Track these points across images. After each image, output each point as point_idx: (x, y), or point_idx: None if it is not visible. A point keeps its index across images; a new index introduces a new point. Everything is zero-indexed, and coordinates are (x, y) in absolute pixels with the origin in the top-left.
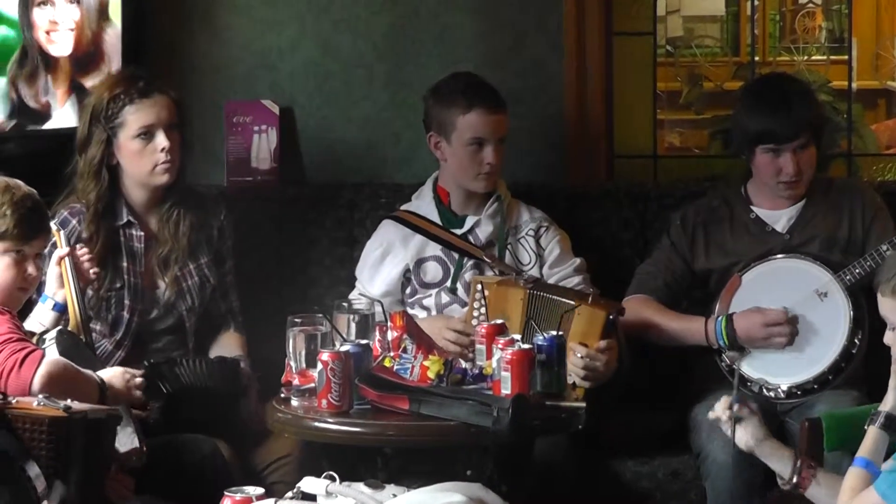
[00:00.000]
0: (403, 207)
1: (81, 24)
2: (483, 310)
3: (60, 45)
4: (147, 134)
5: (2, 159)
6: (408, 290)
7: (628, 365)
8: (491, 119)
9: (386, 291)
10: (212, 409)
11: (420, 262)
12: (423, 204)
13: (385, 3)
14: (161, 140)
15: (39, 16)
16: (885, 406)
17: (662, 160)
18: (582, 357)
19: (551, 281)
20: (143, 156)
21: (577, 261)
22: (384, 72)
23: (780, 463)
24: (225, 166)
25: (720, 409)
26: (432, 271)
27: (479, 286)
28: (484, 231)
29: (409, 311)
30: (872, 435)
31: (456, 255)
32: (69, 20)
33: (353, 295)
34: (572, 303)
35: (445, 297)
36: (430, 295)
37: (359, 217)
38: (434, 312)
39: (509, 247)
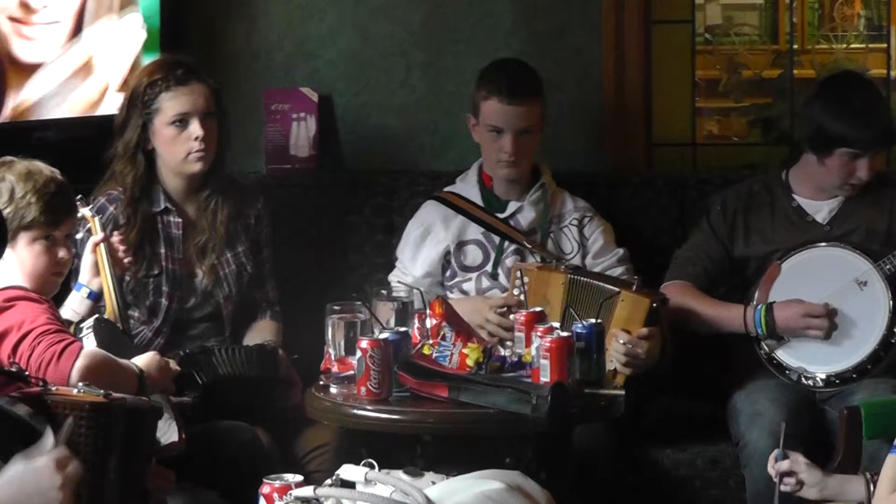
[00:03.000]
0: (447, 189)
1: None
2: (522, 297)
3: None
4: (182, 121)
5: (43, 145)
6: (448, 273)
7: (671, 354)
8: (507, 109)
9: (427, 272)
10: (250, 397)
11: (461, 245)
12: (467, 186)
13: None
14: (195, 128)
15: None
16: None
17: (701, 148)
18: (624, 343)
19: (595, 270)
20: (177, 143)
21: (621, 251)
22: (422, 60)
23: (854, 492)
24: (264, 154)
25: (768, 466)
26: (472, 254)
27: (519, 273)
28: (526, 217)
29: (449, 295)
30: None
31: (497, 240)
32: None
33: (392, 276)
34: (615, 289)
35: (486, 282)
36: (471, 279)
37: (397, 204)
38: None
39: (552, 235)
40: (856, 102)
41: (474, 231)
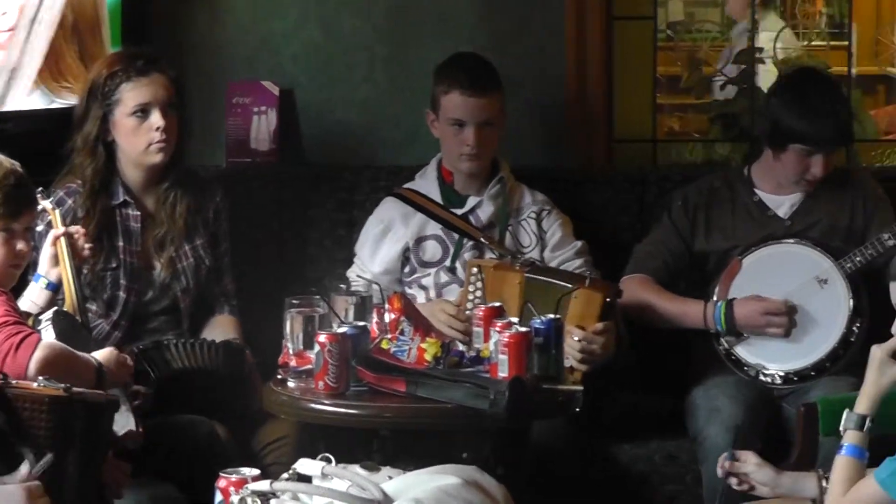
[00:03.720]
0: (406, 186)
1: None
2: (479, 293)
3: None
4: (143, 112)
5: (2, 138)
6: (406, 269)
7: (626, 348)
8: (469, 101)
9: (385, 269)
10: (208, 391)
11: (420, 241)
12: (426, 182)
13: None
14: (156, 119)
15: None
16: (861, 407)
17: (662, 144)
18: (579, 340)
19: (553, 264)
20: (137, 134)
21: (579, 244)
22: (385, 55)
23: (807, 489)
24: (224, 147)
25: (717, 466)
26: (431, 250)
27: (476, 269)
28: (485, 212)
29: (408, 290)
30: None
31: (456, 235)
32: None
33: (350, 272)
34: (570, 286)
35: (444, 277)
36: (429, 274)
37: (358, 199)
38: (432, 292)
39: (510, 229)
40: (812, 99)
41: (434, 227)
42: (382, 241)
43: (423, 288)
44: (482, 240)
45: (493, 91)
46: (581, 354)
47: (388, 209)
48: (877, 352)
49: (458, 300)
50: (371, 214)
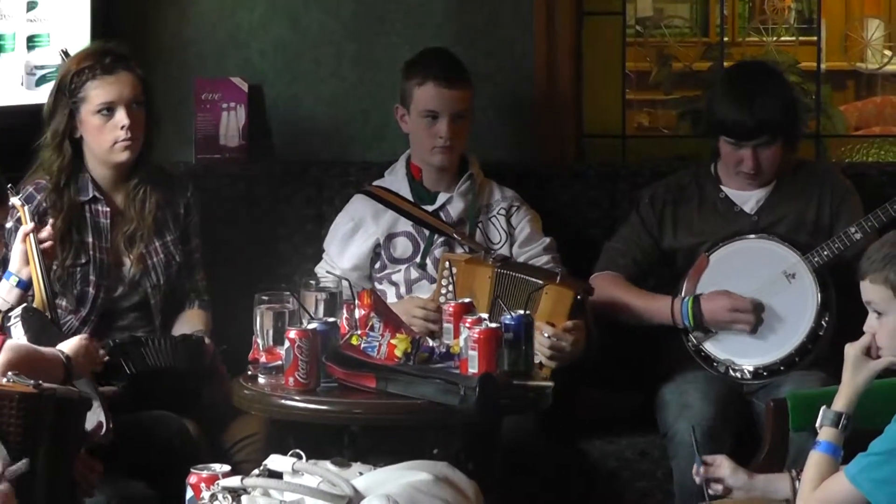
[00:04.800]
0: (376, 183)
1: None
2: (451, 287)
3: None
4: (108, 110)
5: None
6: (377, 265)
7: (596, 345)
8: (444, 93)
9: (354, 266)
10: (178, 388)
11: (390, 237)
12: (395, 180)
13: None
14: (121, 117)
15: None
16: (837, 405)
17: (631, 140)
18: (549, 337)
19: (521, 260)
20: (103, 131)
21: (547, 240)
22: (354, 50)
23: (781, 491)
24: (193, 143)
25: (693, 474)
26: (402, 246)
27: (448, 264)
28: (455, 208)
29: (378, 286)
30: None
31: (426, 232)
32: None
33: (319, 268)
34: (540, 282)
35: (414, 273)
36: (399, 270)
37: (327, 195)
38: (402, 288)
39: (480, 225)
40: (738, 91)
41: (404, 223)
42: (352, 239)
43: (394, 284)
44: (454, 235)
45: (465, 84)
46: (550, 351)
47: (359, 207)
48: (850, 350)
49: (433, 296)
50: (341, 211)
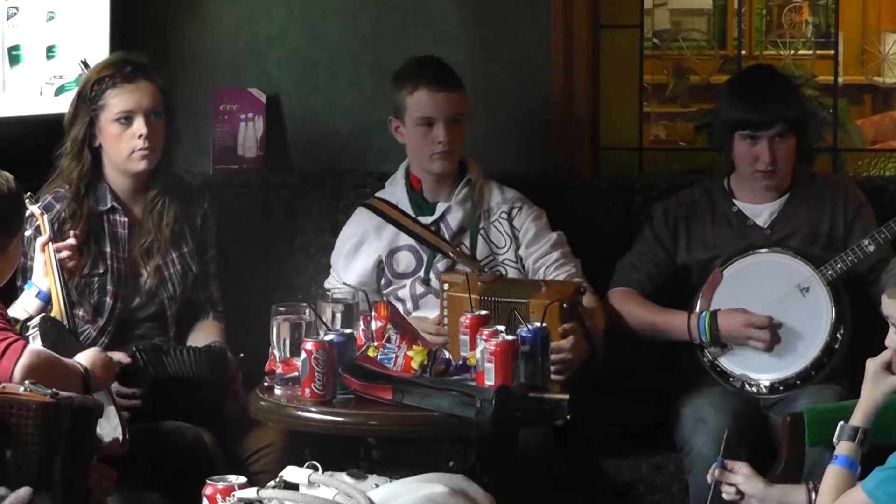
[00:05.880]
0: (378, 195)
1: None
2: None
3: None
4: (126, 119)
5: None
6: (382, 282)
7: (601, 346)
8: (437, 97)
9: (360, 282)
10: (198, 398)
11: (393, 252)
12: (395, 191)
13: None
14: (139, 126)
15: None
16: (855, 420)
17: (648, 152)
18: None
19: (530, 261)
20: (121, 140)
21: (555, 236)
22: (371, 61)
23: (796, 501)
24: (211, 154)
25: (707, 474)
26: (405, 261)
27: (447, 285)
28: (454, 218)
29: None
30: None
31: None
32: None
33: (328, 283)
34: (523, 301)
35: (420, 288)
36: (405, 286)
37: (344, 205)
38: (409, 304)
39: (482, 231)
40: (748, 86)
41: (406, 237)
42: (357, 254)
43: (400, 300)
44: (449, 254)
45: (458, 87)
46: (554, 366)
47: (362, 221)
48: (870, 365)
49: (438, 318)
50: (345, 226)
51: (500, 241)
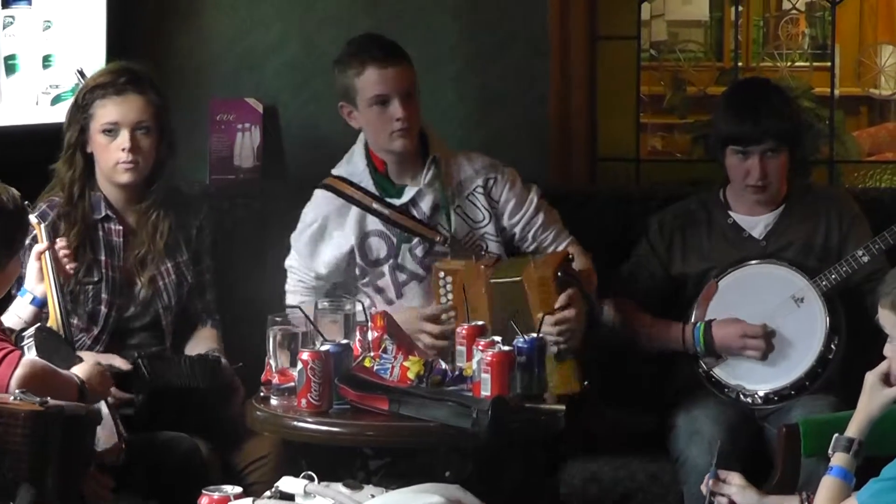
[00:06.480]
0: (335, 172)
1: None
2: (449, 295)
3: None
4: (112, 131)
5: None
6: (357, 272)
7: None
8: (387, 73)
9: (330, 272)
10: (194, 408)
11: (364, 238)
12: (356, 171)
13: (368, 4)
14: (123, 139)
15: None
16: (850, 431)
17: (645, 164)
18: (554, 324)
19: (516, 230)
20: (107, 151)
21: (534, 198)
22: None
23: None
24: (208, 164)
25: (702, 485)
26: (376, 246)
27: (442, 274)
28: (427, 201)
29: (369, 293)
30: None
31: (397, 228)
32: None
33: (292, 292)
34: (517, 278)
35: (401, 276)
36: (383, 274)
37: None
38: (391, 292)
39: (458, 209)
40: (742, 101)
41: (373, 221)
42: (322, 241)
43: (380, 290)
44: (436, 240)
45: (406, 60)
46: (562, 335)
47: (321, 203)
48: (869, 377)
49: (435, 310)
50: (304, 210)
51: (477, 215)
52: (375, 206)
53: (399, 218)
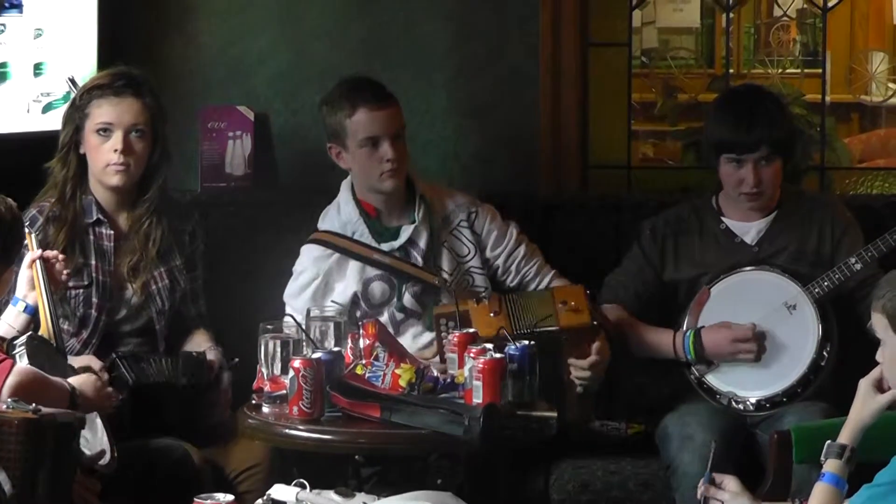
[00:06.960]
0: (322, 227)
1: None
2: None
3: None
4: (105, 131)
5: None
6: (358, 314)
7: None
8: (378, 115)
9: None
10: (176, 406)
11: (367, 284)
12: (349, 221)
13: (360, 11)
14: (116, 141)
15: None
16: (843, 437)
17: (636, 171)
18: (586, 374)
19: (499, 263)
20: (99, 152)
21: (514, 232)
22: None
23: None
24: (199, 172)
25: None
26: (380, 290)
27: (444, 321)
28: (423, 238)
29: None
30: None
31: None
32: None
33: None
34: (555, 327)
35: (398, 315)
36: (383, 314)
37: None
38: (390, 330)
39: (445, 243)
40: (735, 108)
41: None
42: (326, 296)
43: None
44: (436, 283)
45: (394, 102)
46: (592, 382)
47: (317, 259)
48: (862, 383)
49: (436, 353)
50: (296, 266)
51: (462, 250)
52: (376, 256)
53: (399, 265)
